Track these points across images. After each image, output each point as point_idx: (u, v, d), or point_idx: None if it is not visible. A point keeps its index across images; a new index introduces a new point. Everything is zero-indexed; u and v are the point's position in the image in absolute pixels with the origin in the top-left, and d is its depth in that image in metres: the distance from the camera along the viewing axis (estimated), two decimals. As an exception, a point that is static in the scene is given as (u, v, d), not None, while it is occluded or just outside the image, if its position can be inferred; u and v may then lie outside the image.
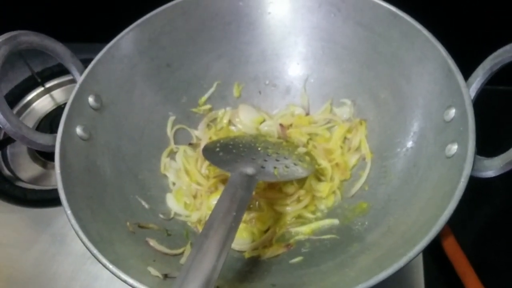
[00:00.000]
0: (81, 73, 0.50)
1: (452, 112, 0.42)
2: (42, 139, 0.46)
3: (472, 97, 0.42)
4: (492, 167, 0.38)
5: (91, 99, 0.49)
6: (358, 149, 0.54)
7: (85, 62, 0.51)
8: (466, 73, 0.43)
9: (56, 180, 0.43)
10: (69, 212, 0.40)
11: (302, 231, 0.49)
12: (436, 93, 0.45)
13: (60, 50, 0.50)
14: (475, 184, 0.38)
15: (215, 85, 0.59)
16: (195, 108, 0.59)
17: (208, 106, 0.59)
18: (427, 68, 0.46)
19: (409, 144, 0.48)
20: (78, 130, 0.47)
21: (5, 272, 0.55)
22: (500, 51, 0.40)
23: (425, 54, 0.46)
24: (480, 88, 0.42)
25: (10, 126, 0.44)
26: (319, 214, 0.51)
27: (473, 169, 0.38)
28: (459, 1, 0.62)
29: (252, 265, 0.47)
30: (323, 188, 0.52)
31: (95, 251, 0.38)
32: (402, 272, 0.48)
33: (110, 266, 0.37)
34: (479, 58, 0.42)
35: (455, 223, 0.52)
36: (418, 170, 0.45)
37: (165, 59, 0.56)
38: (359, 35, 0.52)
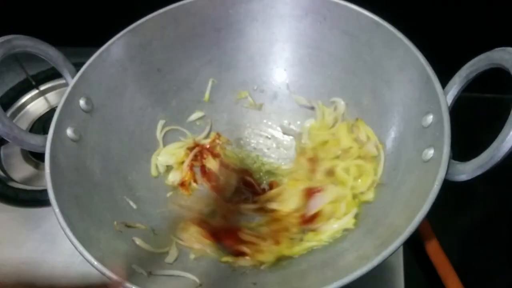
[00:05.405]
0: (73, 76, 0.51)
1: (430, 118, 0.43)
2: (33, 139, 0.47)
3: (449, 104, 0.43)
4: (465, 171, 0.39)
5: (82, 102, 0.50)
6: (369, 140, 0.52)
7: (77, 66, 0.52)
8: (444, 81, 0.44)
9: (45, 179, 0.43)
10: (57, 210, 0.41)
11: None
12: (416, 100, 0.46)
13: (53, 54, 0.51)
14: (458, 189, 0.39)
15: (209, 86, 0.60)
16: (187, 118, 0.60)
17: (200, 114, 0.60)
18: (408, 75, 0.47)
19: (389, 148, 0.49)
20: (69, 132, 0.48)
21: (-5, 270, 0.56)
22: (475, 60, 0.42)
23: (405, 62, 0.47)
24: (457, 95, 0.44)
25: (2, 127, 0.45)
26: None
27: (447, 173, 0.39)
28: (439, 12, 0.64)
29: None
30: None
31: (81, 248, 0.39)
32: (382, 274, 0.50)
33: (95, 263, 0.38)
34: (456, 66, 0.44)
35: (438, 227, 0.54)
36: (397, 173, 0.46)
37: (156, 64, 0.57)
38: (344, 42, 0.53)
